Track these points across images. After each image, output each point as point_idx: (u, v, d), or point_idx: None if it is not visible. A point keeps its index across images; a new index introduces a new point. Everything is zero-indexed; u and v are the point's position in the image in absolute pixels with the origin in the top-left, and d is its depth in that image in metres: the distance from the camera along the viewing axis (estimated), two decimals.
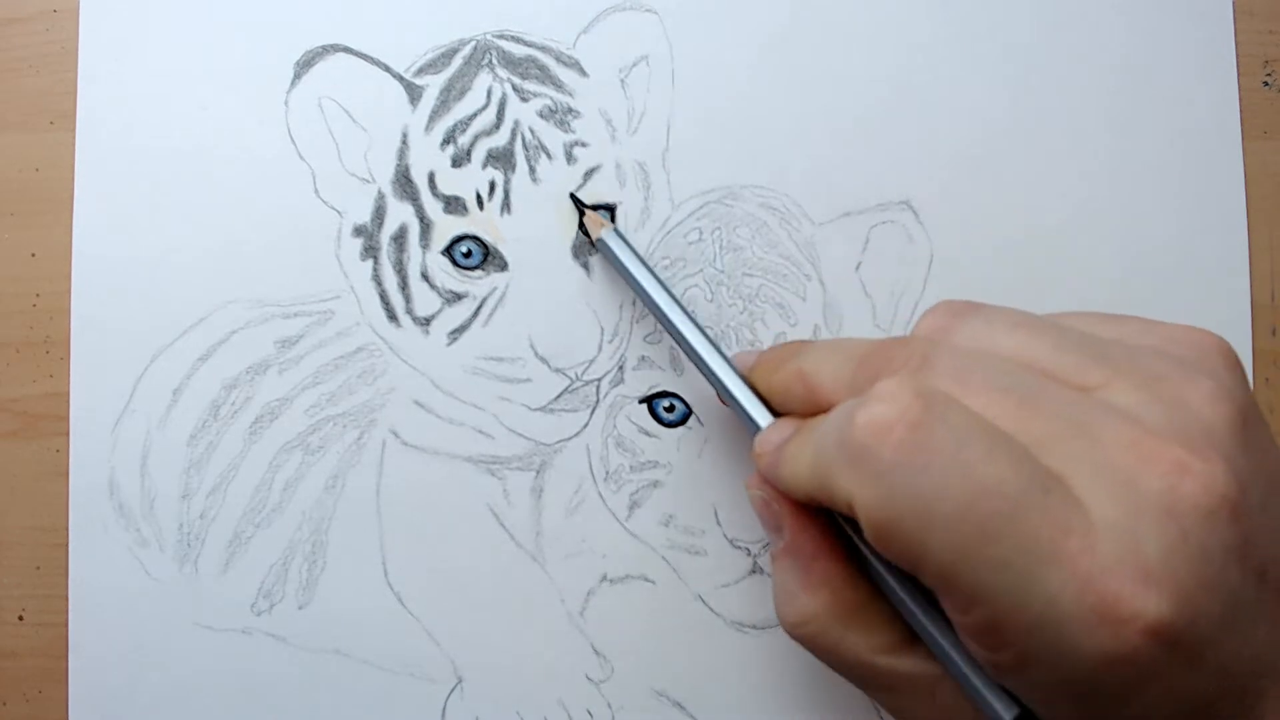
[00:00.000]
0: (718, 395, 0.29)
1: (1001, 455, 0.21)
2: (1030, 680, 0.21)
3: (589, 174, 0.33)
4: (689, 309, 0.30)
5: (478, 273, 0.33)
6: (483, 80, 0.34)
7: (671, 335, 0.30)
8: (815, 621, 0.25)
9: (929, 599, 0.24)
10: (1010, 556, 0.20)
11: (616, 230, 0.32)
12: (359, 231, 0.33)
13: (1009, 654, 0.21)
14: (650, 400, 0.33)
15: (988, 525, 0.20)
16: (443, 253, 0.33)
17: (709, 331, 0.30)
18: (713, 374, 0.29)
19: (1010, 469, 0.21)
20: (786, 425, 0.27)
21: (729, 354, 0.29)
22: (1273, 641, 0.21)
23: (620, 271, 0.31)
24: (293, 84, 0.34)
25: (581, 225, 0.33)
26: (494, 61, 0.34)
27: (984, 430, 0.21)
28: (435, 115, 0.33)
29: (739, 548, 0.33)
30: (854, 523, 0.25)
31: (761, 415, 0.28)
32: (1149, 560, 0.20)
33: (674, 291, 0.30)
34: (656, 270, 0.31)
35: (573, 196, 0.33)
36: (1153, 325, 0.24)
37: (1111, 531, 0.20)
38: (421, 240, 0.33)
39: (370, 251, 0.33)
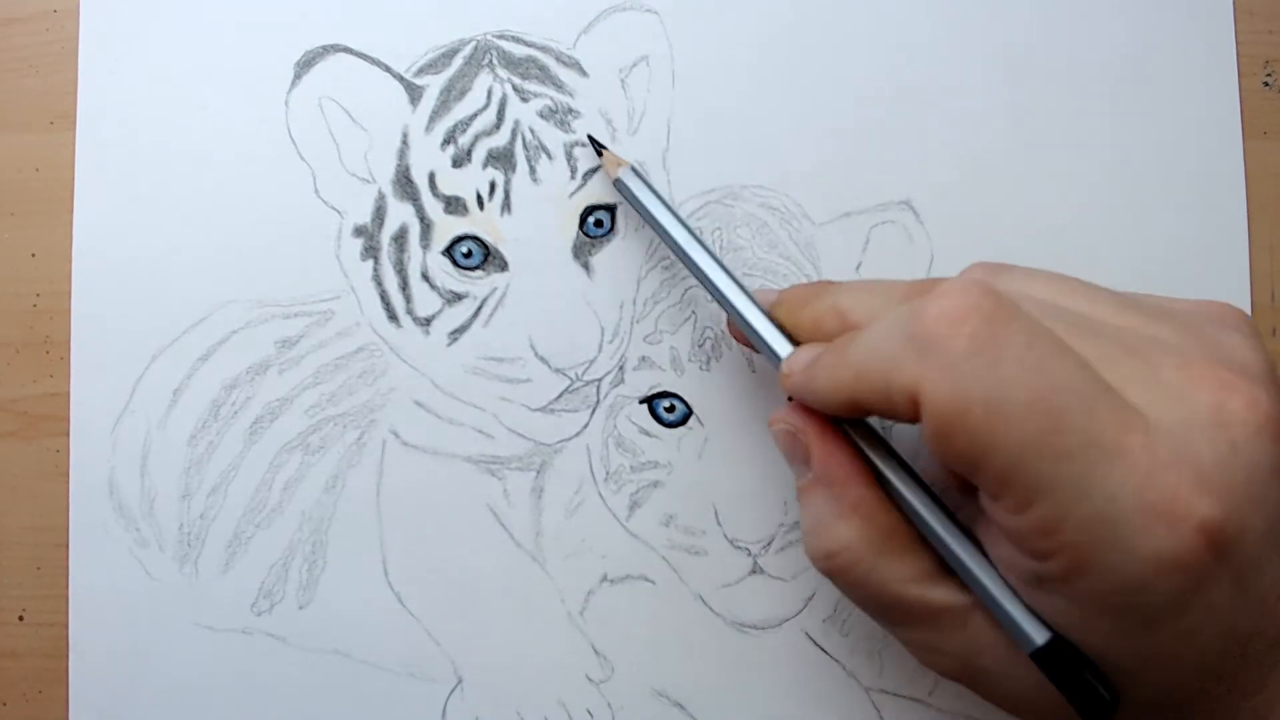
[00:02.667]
0: (729, 328, 0.30)
1: (1070, 355, 0.21)
2: (1076, 592, 0.21)
3: (589, 174, 0.33)
4: (710, 246, 0.30)
5: (478, 273, 0.33)
6: (483, 80, 0.34)
7: (693, 272, 0.30)
8: (848, 551, 0.25)
9: (958, 523, 0.24)
10: (1076, 449, 0.20)
11: (635, 169, 0.32)
12: (359, 231, 0.33)
13: (1060, 560, 0.21)
14: (650, 400, 0.33)
15: (1058, 417, 0.21)
16: (443, 253, 0.33)
17: (732, 270, 0.30)
18: (734, 307, 0.29)
19: (1078, 368, 0.21)
20: (815, 347, 0.26)
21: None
22: None
23: (639, 211, 0.31)
24: (293, 84, 0.34)
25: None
26: (494, 62, 0.34)
27: (1050, 332, 0.22)
28: (435, 115, 0.33)
29: (739, 548, 0.33)
30: (881, 449, 0.26)
31: (784, 345, 0.28)
32: (1203, 465, 0.20)
33: (696, 231, 0.31)
34: (678, 210, 0.31)
35: (590, 138, 0.33)
36: (1175, 299, 0.25)
37: (1168, 435, 0.21)
38: (422, 240, 0.33)
39: (370, 251, 0.33)
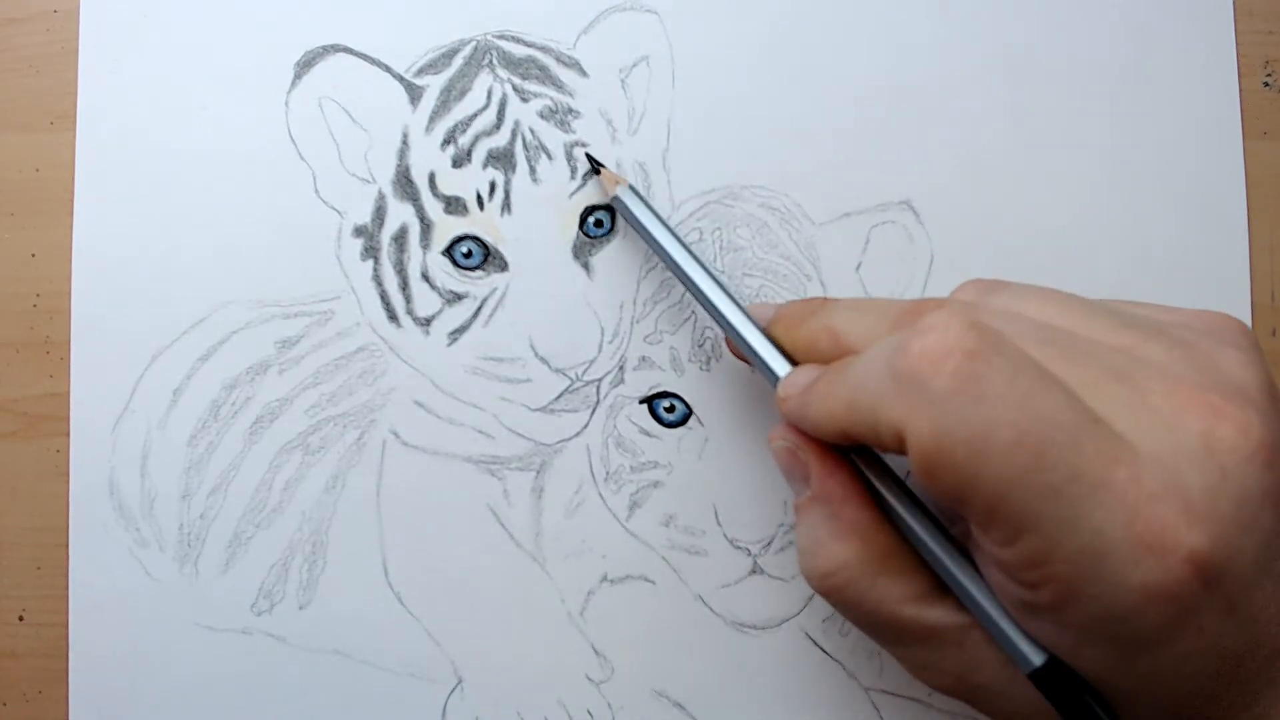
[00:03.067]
0: (728, 345, 0.30)
1: (1054, 387, 0.21)
2: (1067, 620, 0.21)
3: (589, 175, 0.33)
4: (706, 263, 0.30)
5: (478, 273, 0.33)
6: (483, 80, 0.34)
7: (689, 289, 0.30)
8: (845, 570, 0.25)
9: (955, 545, 0.24)
10: (1062, 484, 0.20)
11: (632, 187, 0.32)
12: (359, 232, 0.33)
13: (1050, 590, 0.21)
14: (650, 400, 0.33)
15: (1042, 453, 0.20)
16: (443, 253, 0.33)
17: (727, 286, 0.30)
18: (730, 325, 0.29)
19: (1063, 401, 0.21)
20: (811, 370, 0.26)
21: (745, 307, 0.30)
22: None
23: (636, 228, 0.31)
24: (293, 84, 0.34)
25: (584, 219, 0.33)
26: (494, 62, 0.34)
27: (1035, 364, 0.22)
28: (435, 115, 0.33)
29: (739, 548, 0.33)
30: (877, 468, 0.26)
31: (781, 365, 0.28)
32: (1191, 495, 0.20)
33: (694, 250, 0.31)
34: (674, 227, 0.31)
35: (588, 156, 0.33)
36: (1173, 308, 0.25)
37: (1155, 465, 0.20)
38: (422, 240, 0.33)
39: (370, 252, 0.33)
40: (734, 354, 0.31)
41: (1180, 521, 0.20)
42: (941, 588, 0.25)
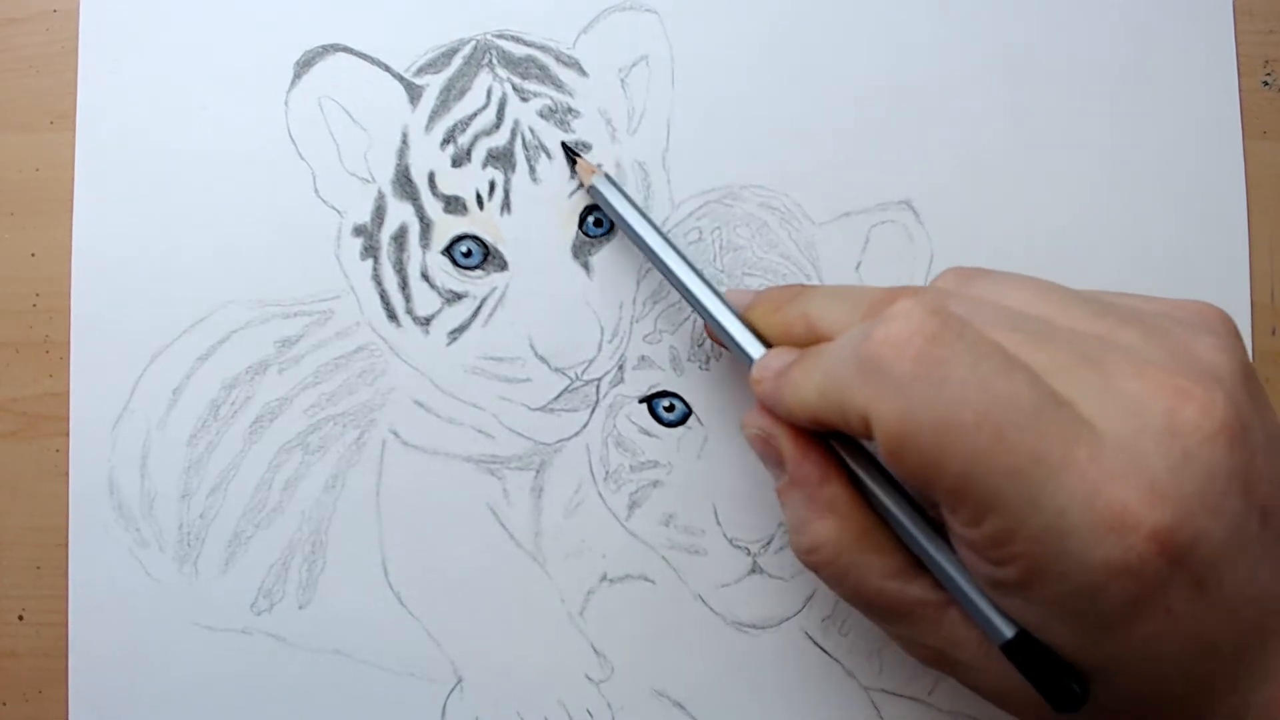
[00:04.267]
0: (706, 330, 0.30)
1: (1016, 371, 0.21)
2: (1035, 597, 0.22)
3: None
4: (681, 249, 0.31)
5: (478, 272, 0.33)
6: (483, 80, 0.34)
7: (664, 274, 0.30)
8: (827, 547, 0.26)
9: (929, 523, 0.25)
10: (1024, 465, 0.21)
11: (608, 176, 0.32)
12: (359, 231, 0.33)
13: (1016, 568, 0.21)
14: (650, 400, 0.33)
15: (1004, 434, 0.21)
16: (443, 252, 0.33)
17: (703, 271, 0.30)
18: (705, 309, 0.29)
19: (1024, 384, 0.21)
20: (785, 353, 0.27)
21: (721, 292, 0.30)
22: (1277, 586, 0.21)
23: (613, 216, 0.32)
24: (293, 84, 0.34)
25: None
26: (494, 61, 0.34)
27: (997, 348, 0.22)
28: (435, 115, 0.33)
29: (739, 547, 0.33)
30: (853, 450, 0.26)
31: (756, 348, 0.28)
32: (1154, 475, 0.20)
33: (669, 236, 0.31)
34: (649, 215, 0.32)
35: (564, 145, 0.33)
36: (1154, 298, 0.25)
37: (1118, 446, 0.21)
38: (421, 240, 0.33)
39: (370, 251, 0.33)
40: (712, 339, 0.31)
41: (1142, 501, 0.20)
42: (921, 565, 0.25)
